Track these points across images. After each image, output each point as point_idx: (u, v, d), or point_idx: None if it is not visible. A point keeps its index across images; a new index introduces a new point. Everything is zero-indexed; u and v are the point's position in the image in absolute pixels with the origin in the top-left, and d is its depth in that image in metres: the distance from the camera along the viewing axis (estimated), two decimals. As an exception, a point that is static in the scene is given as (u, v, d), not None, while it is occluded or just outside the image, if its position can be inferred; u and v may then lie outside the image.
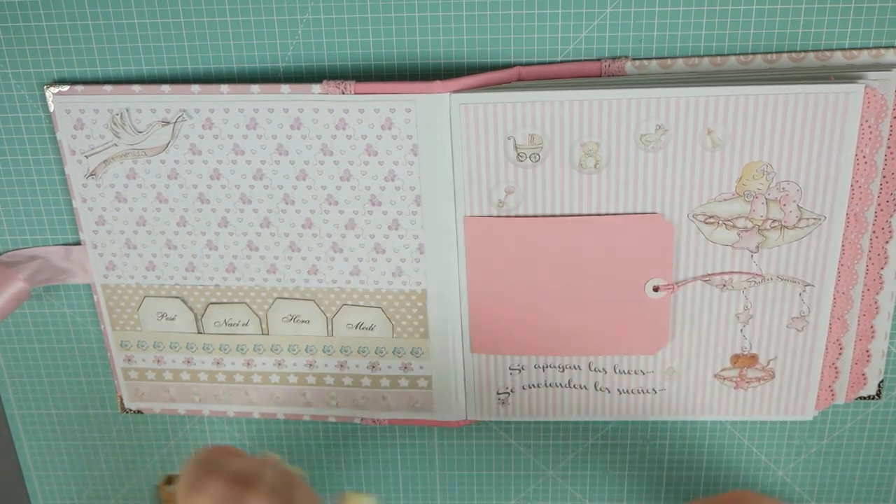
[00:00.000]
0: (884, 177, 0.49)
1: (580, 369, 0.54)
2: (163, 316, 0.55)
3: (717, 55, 0.48)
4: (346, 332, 0.54)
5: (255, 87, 0.48)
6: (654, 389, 0.54)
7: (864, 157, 0.48)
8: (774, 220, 0.49)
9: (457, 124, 0.48)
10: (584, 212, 0.50)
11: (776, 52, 0.48)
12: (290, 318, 0.55)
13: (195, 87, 0.49)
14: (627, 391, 0.54)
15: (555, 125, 0.48)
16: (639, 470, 0.59)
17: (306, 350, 0.55)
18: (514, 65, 0.49)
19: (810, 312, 0.51)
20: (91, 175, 0.52)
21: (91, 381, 0.59)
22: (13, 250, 0.55)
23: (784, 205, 0.49)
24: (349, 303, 0.54)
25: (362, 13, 0.48)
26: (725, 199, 0.49)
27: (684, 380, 0.54)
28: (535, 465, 0.59)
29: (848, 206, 0.49)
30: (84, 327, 0.57)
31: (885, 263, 0.51)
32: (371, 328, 0.54)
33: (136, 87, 0.49)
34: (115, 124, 0.50)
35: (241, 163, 0.51)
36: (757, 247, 0.50)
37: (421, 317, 0.54)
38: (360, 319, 0.54)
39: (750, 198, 0.49)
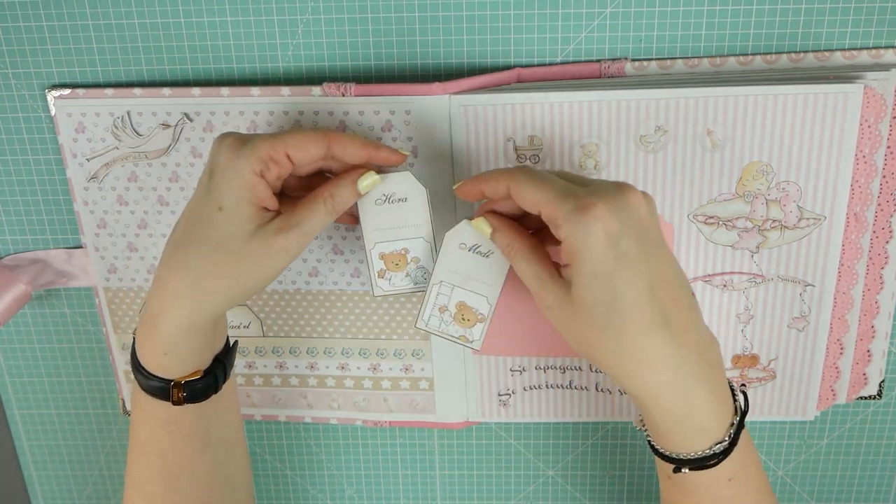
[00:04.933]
0: (884, 176, 0.49)
1: (581, 370, 0.54)
2: (164, 317, 0.55)
3: (716, 56, 0.48)
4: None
5: (255, 90, 0.48)
6: (654, 390, 0.54)
7: (864, 156, 0.48)
8: (775, 221, 0.49)
9: (456, 126, 0.48)
10: (585, 213, 0.50)
11: (776, 53, 0.48)
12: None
13: (196, 90, 0.49)
14: (628, 392, 0.54)
15: (554, 127, 0.48)
16: (639, 470, 0.59)
17: (308, 352, 0.55)
18: (514, 66, 0.49)
19: (811, 312, 0.51)
20: (92, 178, 0.52)
21: (91, 382, 0.59)
22: (15, 254, 0.55)
23: (784, 205, 0.49)
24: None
25: (362, 14, 0.48)
26: (725, 200, 0.49)
27: (685, 380, 0.54)
28: (535, 466, 0.59)
29: (848, 206, 0.49)
30: (84, 327, 0.57)
31: (886, 263, 0.51)
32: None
33: (137, 91, 0.49)
34: (116, 127, 0.50)
35: (241, 165, 0.50)
36: (757, 247, 0.50)
37: (422, 318, 0.54)
38: (360, 321, 0.54)
39: (750, 198, 0.49)
